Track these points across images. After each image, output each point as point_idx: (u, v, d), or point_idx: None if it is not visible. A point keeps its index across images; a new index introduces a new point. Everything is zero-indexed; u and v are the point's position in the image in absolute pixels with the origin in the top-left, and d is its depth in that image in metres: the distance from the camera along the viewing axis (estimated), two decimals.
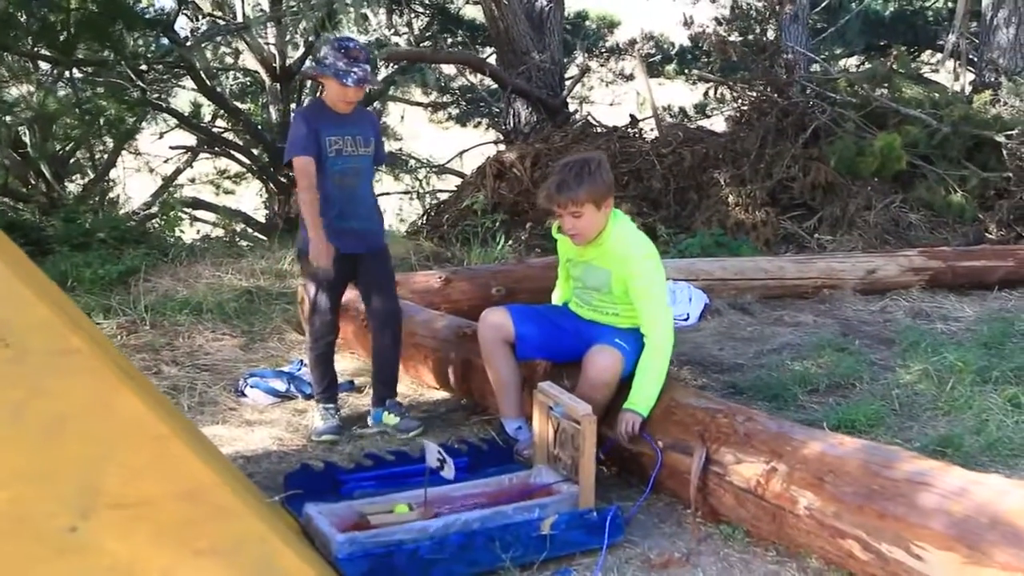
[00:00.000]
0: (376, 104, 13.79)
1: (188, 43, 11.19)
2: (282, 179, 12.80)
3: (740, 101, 9.68)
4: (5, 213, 8.89)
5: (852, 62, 15.20)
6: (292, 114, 11.65)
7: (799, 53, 10.20)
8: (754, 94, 9.36)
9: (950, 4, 14.23)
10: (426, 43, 14.00)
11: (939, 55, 13.99)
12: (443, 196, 10.61)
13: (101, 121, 10.72)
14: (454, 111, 15.78)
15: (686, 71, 15.04)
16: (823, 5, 13.34)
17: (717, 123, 10.85)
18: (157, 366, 4.74)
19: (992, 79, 10.23)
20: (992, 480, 2.32)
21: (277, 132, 13.05)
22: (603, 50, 15.79)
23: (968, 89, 10.54)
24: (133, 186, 13.40)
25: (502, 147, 10.95)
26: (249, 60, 13.66)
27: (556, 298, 3.78)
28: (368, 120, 3.96)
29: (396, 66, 13.25)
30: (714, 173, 8.52)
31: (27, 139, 10.35)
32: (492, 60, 11.85)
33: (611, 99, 15.24)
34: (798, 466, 2.62)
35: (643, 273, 3.26)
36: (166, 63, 11.73)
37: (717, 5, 14.85)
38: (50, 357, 1.88)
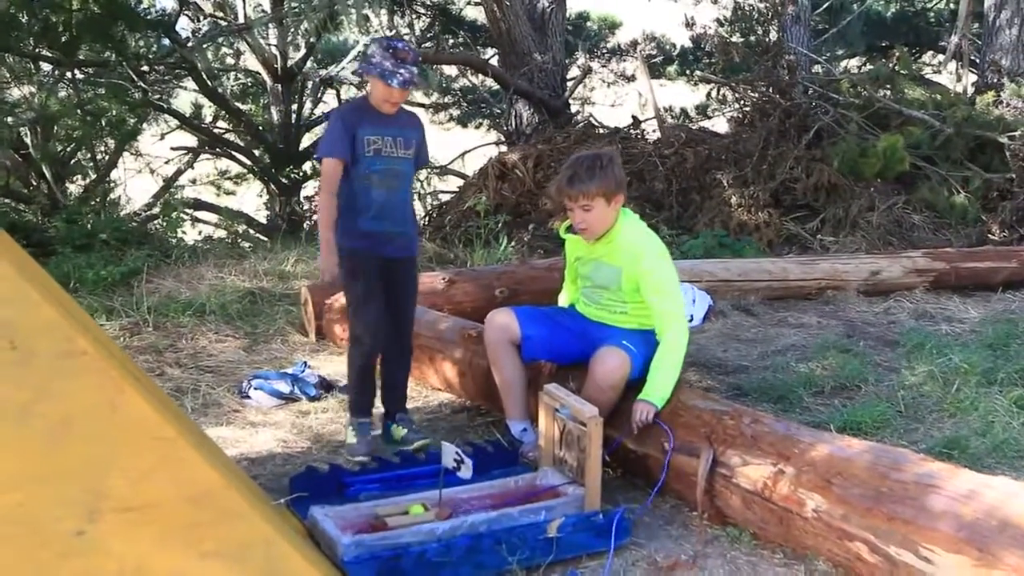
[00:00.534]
0: None
1: (189, 44, 11.20)
2: (283, 180, 12.80)
3: (742, 102, 9.69)
4: (7, 214, 8.88)
5: (854, 63, 15.20)
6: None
7: (801, 54, 10.19)
8: (756, 95, 9.37)
9: (952, 5, 14.24)
10: (428, 44, 13.98)
11: (941, 56, 14.02)
12: (445, 197, 10.61)
13: (103, 122, 10.70)
14: (456, 112, 15.76)
15: (688, 72, 15.04)
16: (825, 6, 13.34)
17: (719, 124, 10.85)
18: (160, 368, 4.73)
19: (995, 80, 10.23)
20: (1001, 482, 2.31)
21: (278, 133, 13.07)
22: (605, 51, 15.79)
23: (971, 90, 10.55)
24: (134, 187, 13.39)
25: (504, 148, 10.95)
26: (251, 61, 13.69)
27: (563, 300, 3.77)
28: (413, 123, 3.77)
29: None
30: (717, 174, 8.53)
31: (28, 140, 10.34)
32: (494, 61, 11.86)
33: (613, 100, 15.24)
34: (806, 468, 2.61)
35: (655, 269, 3.27)
36: (167, 64, 11.74)
37: (719, 6, 14.84)
38: (56, 359, 1.88)
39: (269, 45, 12.71)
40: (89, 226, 7.36)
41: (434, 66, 13.45)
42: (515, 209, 8.67)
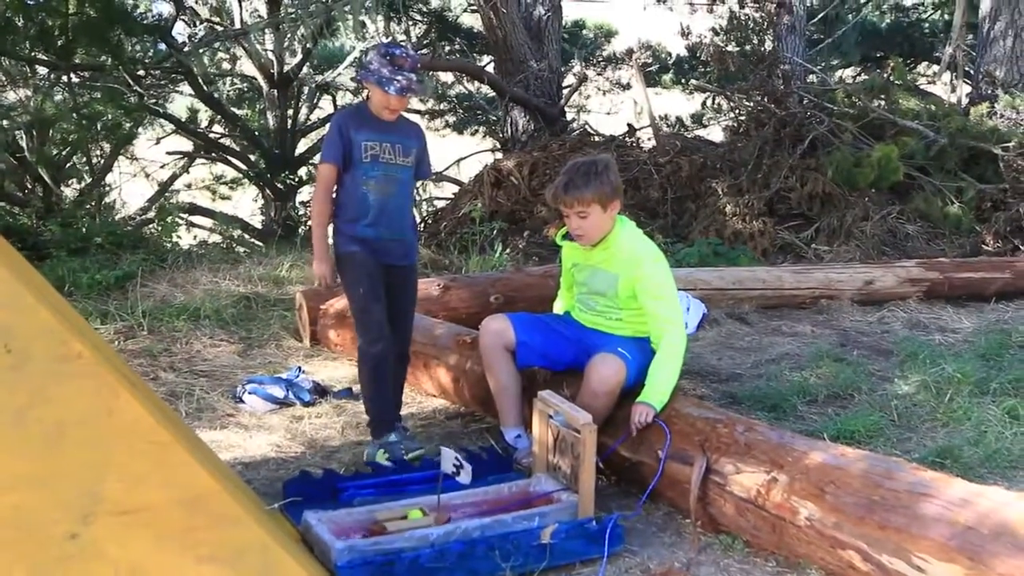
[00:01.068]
0: None
1: (186, 49, 11.21)
2: (279, 185, 12.81)
3: (737, 111, 9.72)
4: (2, 218, 8.87)
5: (848, 73, 15.23)
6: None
7: (796, 64, 10.23)
8: (751, 104, 9.39)
9: (947, 16, 14.30)
10: (424, 51, 14.01)
11: (936, 67, 14.06)
12: (440, 204, 10.61)
13: (98, 126, 10.71)
14: (451, 119, 15.78)
15: (683, 81, 15.09)
16: (820, 16, 13.39)
17: (714, 133, 10.88)
18: (155, 372, 4.73)
19: (989, 91, 10.26)
20: (993, 492, 2.32)
21: (274, 138, 13.07)
22: (600, 59, 15.83)
23: (965, 101, 10.59)
24: (130, 191, 13.40)
25: (500, 155, 10.96)
26: (247, 66, 13.69)
27: (558, 308, 3.78)
28: (413, 131, 3.73)
29: None
30: (712, 183, 8.55)
31: (24, 144, 10.35)
32: (490, 68, 11.88)
33: (608, 108, 15.27)
34: (799, 476, 2.62)
35: (654, 274, 3.29)
36: (164, 68, 11.76)
37: (714, 15, 14.88)
38: (52, 363, 1.88)
39: (265, 50, 12.73)
40: (84, 230, 7.37)
41: (430, 73, 13.46)
42: (510, 216, 8.68)
